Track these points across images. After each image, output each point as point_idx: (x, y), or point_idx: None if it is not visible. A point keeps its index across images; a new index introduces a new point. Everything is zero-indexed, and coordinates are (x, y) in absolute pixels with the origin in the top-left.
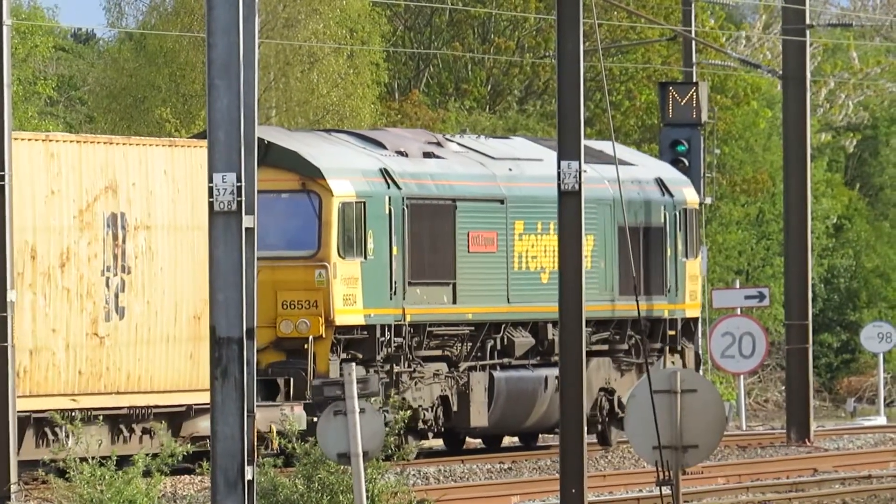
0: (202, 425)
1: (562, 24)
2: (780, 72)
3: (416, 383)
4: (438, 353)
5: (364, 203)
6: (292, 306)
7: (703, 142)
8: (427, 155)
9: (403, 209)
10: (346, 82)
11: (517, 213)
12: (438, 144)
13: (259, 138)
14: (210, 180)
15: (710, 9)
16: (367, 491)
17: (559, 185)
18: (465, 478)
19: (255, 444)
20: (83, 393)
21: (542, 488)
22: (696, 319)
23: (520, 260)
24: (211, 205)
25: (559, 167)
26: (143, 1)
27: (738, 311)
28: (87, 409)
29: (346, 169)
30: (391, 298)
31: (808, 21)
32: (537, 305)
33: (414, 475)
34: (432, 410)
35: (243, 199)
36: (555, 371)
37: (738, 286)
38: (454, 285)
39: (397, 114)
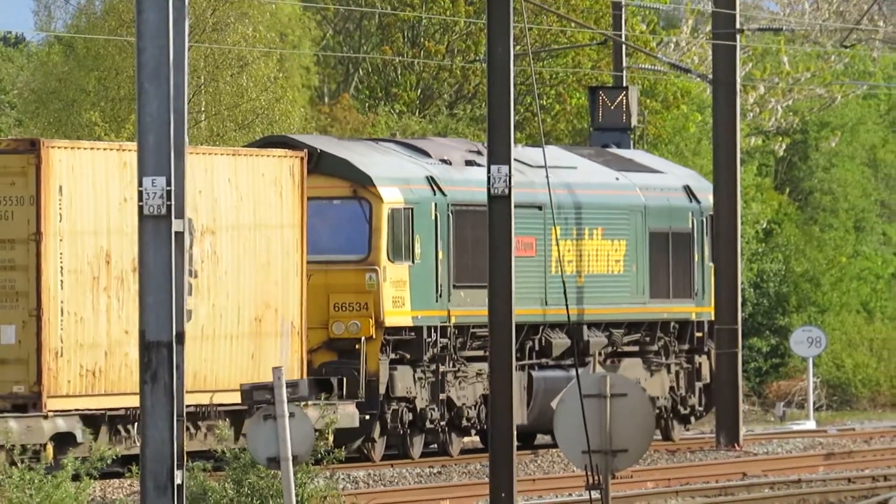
0: None
1: (492, 28)
2: (711, 76)
3: (459, 382)
4: (481, 353)
5: (412, 209)
6: (344, 308)
7: (633, 146)
8: (469, 163)
9: (448, 215)
10: (275, 86)
11: (555, 218)
12: (479, 153)
13: (312, 147)
14: (140, 184)
15: (640, 13)
16: (296, 495)
17: (489, 190)
18: (394, 482)
19: (185, 447)
20: None
21: (471, 492)
22: None
23: (557, 264)
24: (140, 209)
25: (489, 171)
26: (71, 4)
27: None
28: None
29: (395, 177)
30: (437, 301)
31: (738, 25)
32: (573, 308)
33: (343, 479)
34: (475, 408)
35: (173, 203)
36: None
37: None
38: None
39: (327, 118)
